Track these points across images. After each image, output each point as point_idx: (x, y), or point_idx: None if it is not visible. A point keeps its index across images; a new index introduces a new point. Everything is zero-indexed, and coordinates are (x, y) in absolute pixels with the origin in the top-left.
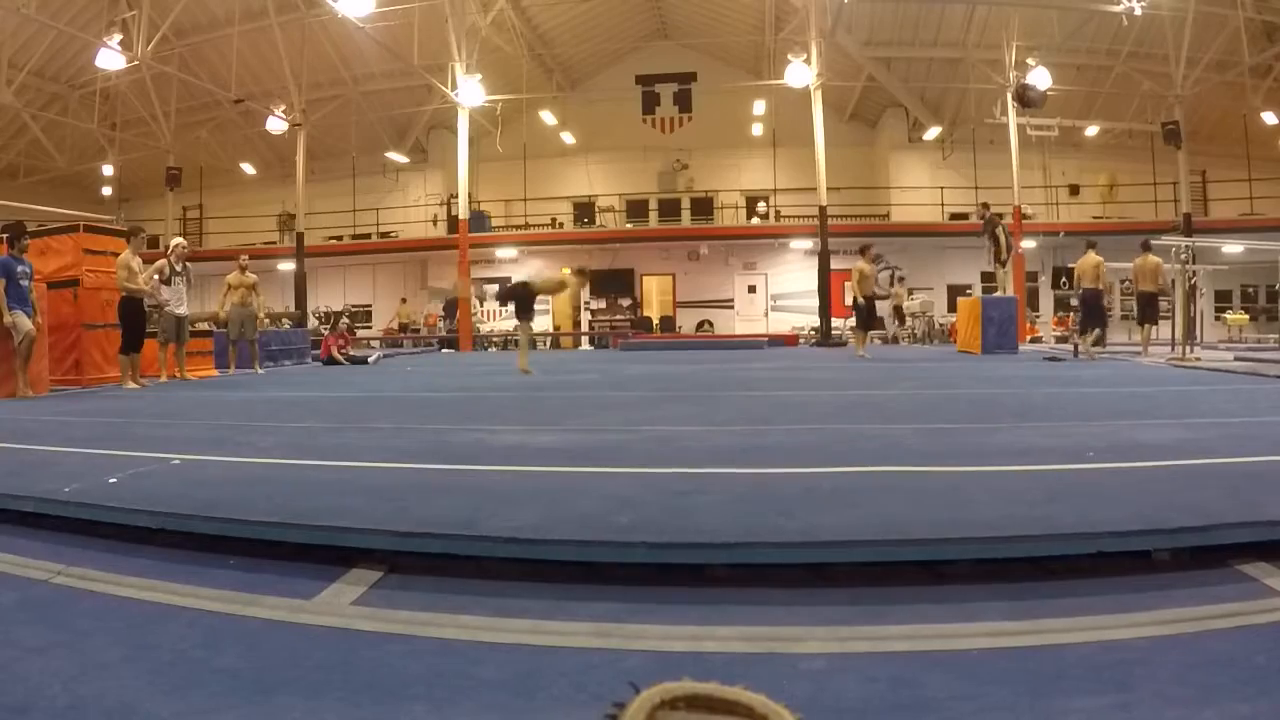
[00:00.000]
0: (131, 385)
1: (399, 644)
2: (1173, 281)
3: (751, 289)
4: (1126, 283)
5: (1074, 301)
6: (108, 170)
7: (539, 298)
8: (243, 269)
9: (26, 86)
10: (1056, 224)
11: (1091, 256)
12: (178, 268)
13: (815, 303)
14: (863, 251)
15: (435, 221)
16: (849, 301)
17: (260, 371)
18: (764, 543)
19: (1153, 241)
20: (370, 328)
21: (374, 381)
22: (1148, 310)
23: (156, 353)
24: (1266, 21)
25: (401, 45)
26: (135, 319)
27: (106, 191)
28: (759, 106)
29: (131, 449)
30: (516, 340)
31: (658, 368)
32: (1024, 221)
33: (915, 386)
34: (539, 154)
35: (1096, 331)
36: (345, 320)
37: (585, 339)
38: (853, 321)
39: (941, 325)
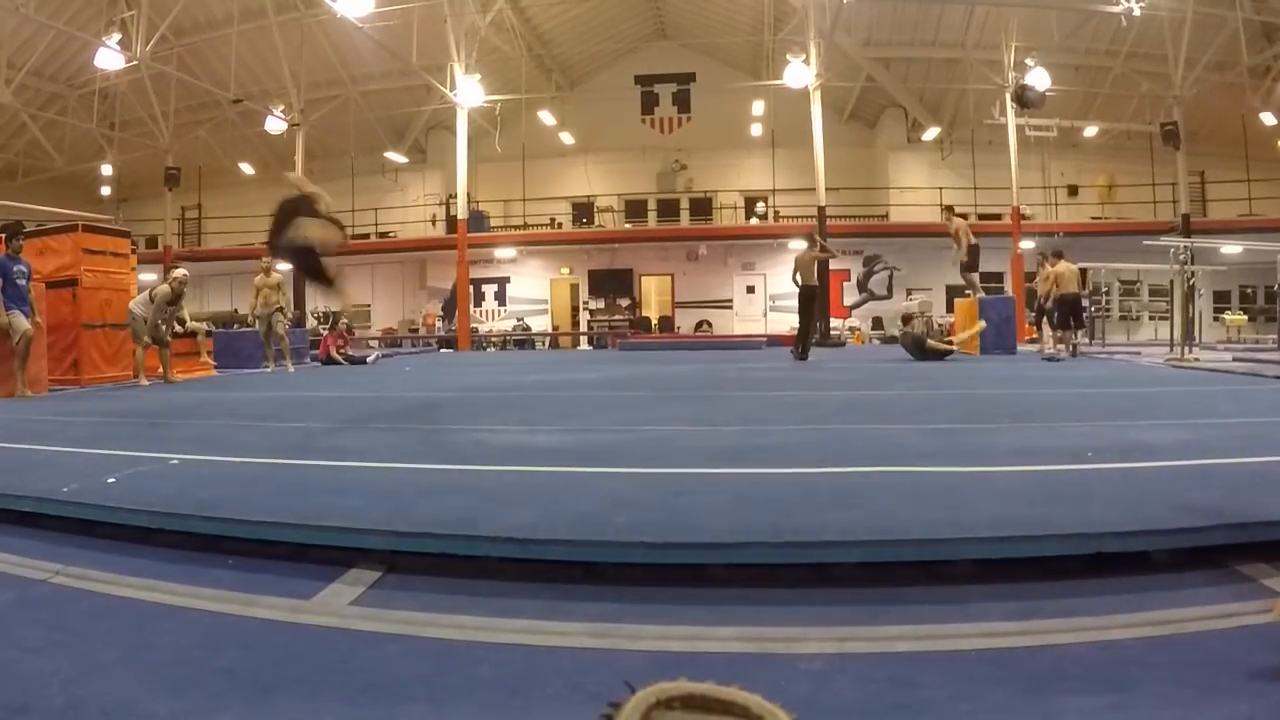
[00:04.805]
0: (145, 382)
1: (397, 644)
2: (1171, 282)
3: (750, 289)
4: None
5: (1048, 305)
6: (106, 170)
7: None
8: (267, 271)
9: (25, 86)
10: (1055, 224)
11: (1065, 265)
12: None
13: None
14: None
15: (434, 221)
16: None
17: (292, 369)
18: (763, 543)
19: (1150, 242)
20: (369, 327)
21: (373, 381)
22: (1073, 314)
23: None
24: (1265, 22)
25: (400, 45)
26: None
27: (105, 191)
28: (758, 107)
29: (130, 449)
30: (518, 341)
31: (656, 368)
32: (1023, 222)
33: (914, 386)
34: (538, 154)
35: (1080, 331)
36: (344, 320)
37: (584, 339)
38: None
39: (940, 325)
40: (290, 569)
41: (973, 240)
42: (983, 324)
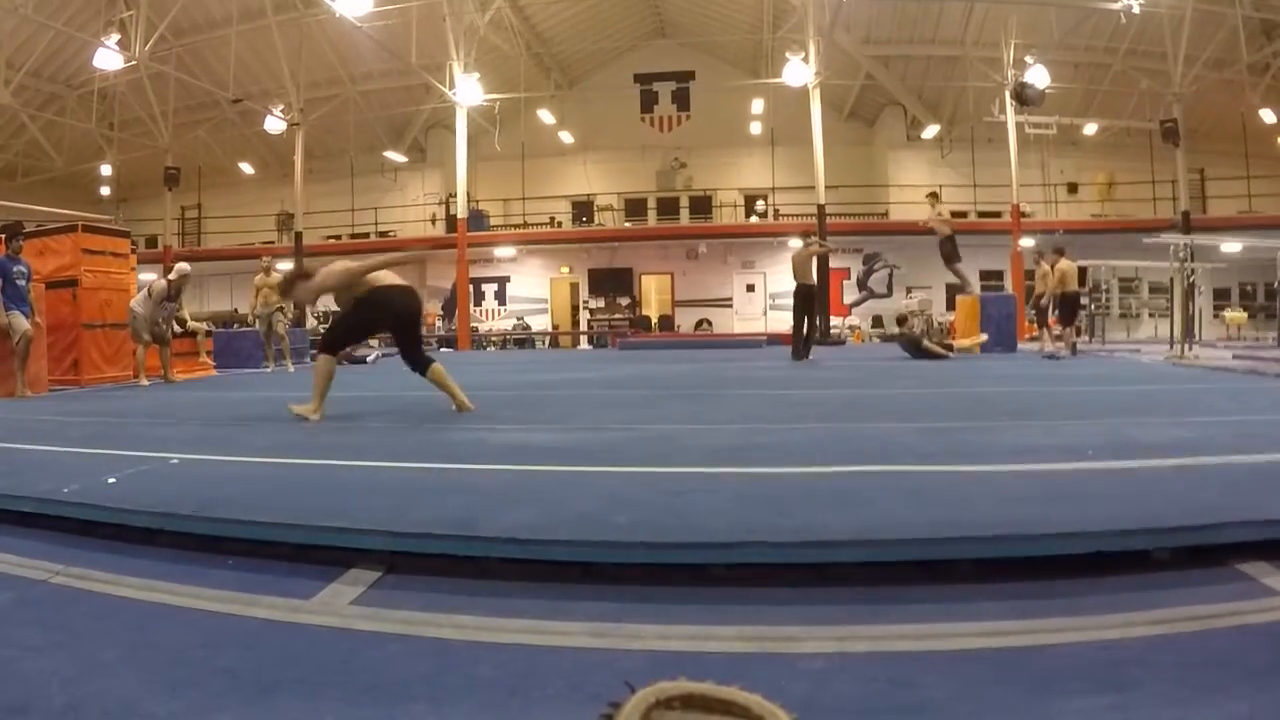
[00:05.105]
0: (144, 382)
1: (397, 644)
2: (1171, 280)
3: (750, 288)
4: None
5: (1045, 303)
6: (106, 170)
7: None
8: (267, 270)
9: (25, 86)
10: (1055, 222)
11: (1067, 262)
12: (173, 292)
13: None
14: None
15: (434, 221)
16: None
17: (292, 369)
18: (763, 542)
19: (1150, 239)
20: None
21: (372, 381)
22: (1073, 311)
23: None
24: (1264, 19)
25: (399, 44)
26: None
27: (105, 191)
28: (757, 105)
29: (130, 449)
30: (518, 340)
31: (656, 367)
32: (1023, 220)
33: (914, 385)
34: (537, 153)
35: (1073, 328)
36: None
37: (584, 338)
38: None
39: (940, 324)
40: (290, 569)
41: (948, 232)
42: (984, 336)
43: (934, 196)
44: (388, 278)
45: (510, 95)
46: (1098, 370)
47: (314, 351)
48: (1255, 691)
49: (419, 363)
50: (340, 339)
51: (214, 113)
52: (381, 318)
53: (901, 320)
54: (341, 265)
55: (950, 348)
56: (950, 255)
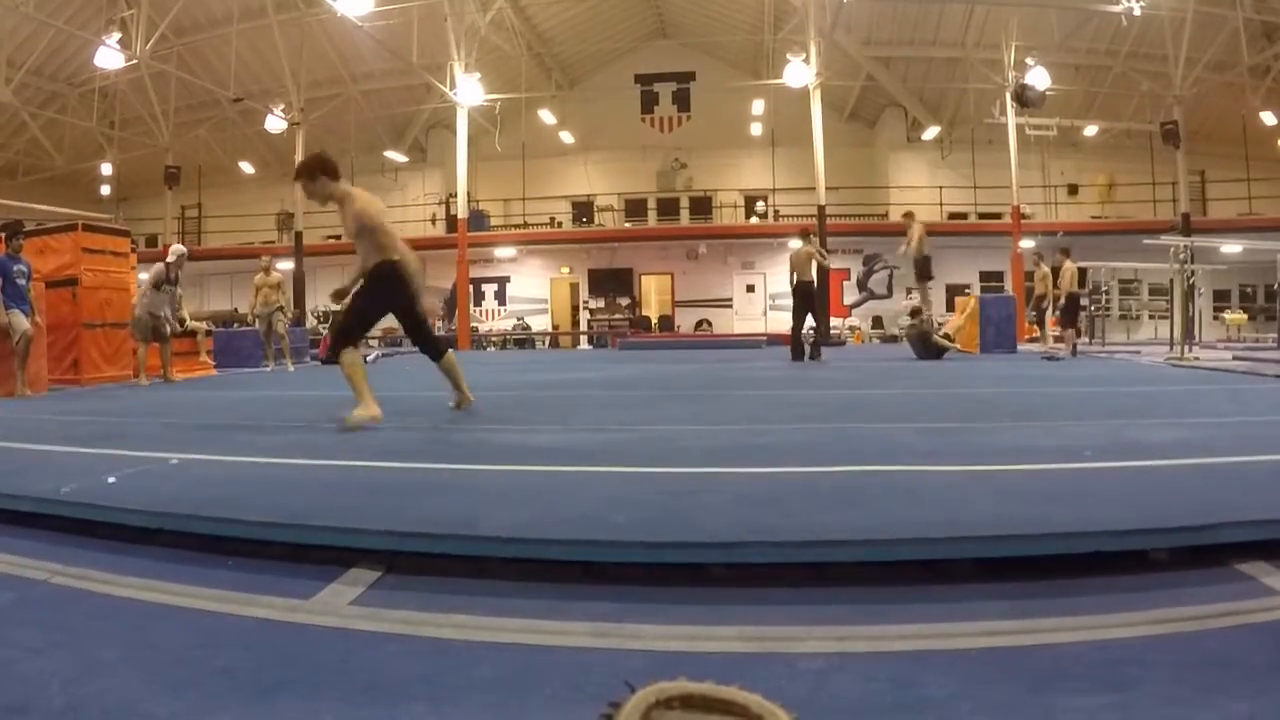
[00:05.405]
0: (144, 381)
1: (396, 644)
2: (1171, 282)
3: (750, 288)
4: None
5: (1047, 304)
6: (106, 169)
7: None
8: (267, 270)
9: (25, 85)
10: (1055, 223)
11: (1071, 264)
12: (172, 275)
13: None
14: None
15: (434, 220)
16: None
17: (292, 368)
18: (763, 542)
19: (1151, 241)
20: None
21: (372, 381)
22: (1074, 313)
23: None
24: (1265, 22)
25: (400, 44)
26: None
27: (105, 190)
28: (758, 106)
29: (130, 448)
30: (518, 340)
31: (656, 367)
32: (1023, 221)
33: (914, 386)
34: (538, 153)
35: (1074, 329)
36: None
37: (584, 338)
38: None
39: (940, 323)
40: (290, 569)
41: (926, 251)
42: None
43: (910, 216)
44: (401, 249)
45: (511, 95)
46: (1098, 371)
47: (314, 352)
48: (1255, 691)
49: (434, 347)
50: (358, 325)
51: (214, 112)
52: (398, 293)
53: (915, 313)
54: (382, 215)
55: (950, 338)
56: (923, 273)
